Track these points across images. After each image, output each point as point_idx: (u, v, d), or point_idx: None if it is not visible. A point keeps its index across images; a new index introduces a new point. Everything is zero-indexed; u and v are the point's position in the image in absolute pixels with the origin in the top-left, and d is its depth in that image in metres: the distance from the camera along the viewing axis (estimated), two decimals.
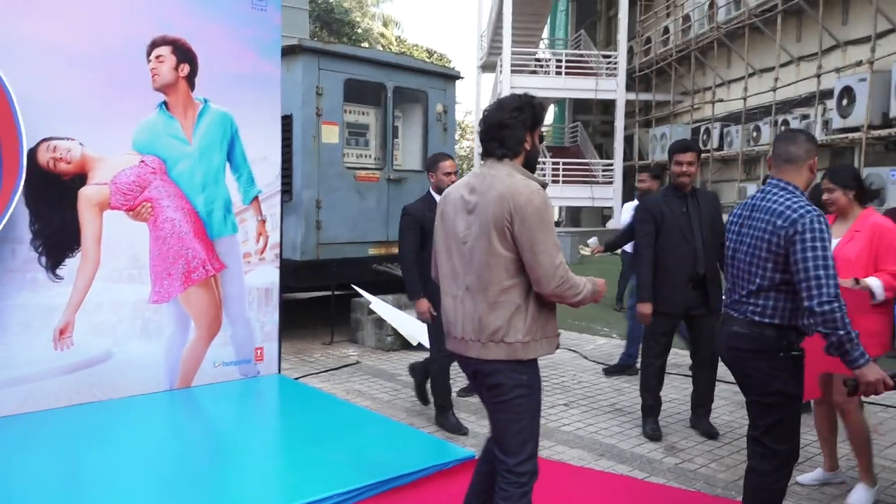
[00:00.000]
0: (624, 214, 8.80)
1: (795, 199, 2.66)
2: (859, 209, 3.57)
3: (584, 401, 5.20)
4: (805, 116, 14.72)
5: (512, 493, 2.50)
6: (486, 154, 2.58)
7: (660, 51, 20.56)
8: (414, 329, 6.99)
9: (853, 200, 3.56)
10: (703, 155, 19.70)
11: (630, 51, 21.84)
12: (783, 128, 15.24)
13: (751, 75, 16.67)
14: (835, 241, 3.45)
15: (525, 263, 2.44)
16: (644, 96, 21.73)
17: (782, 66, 15.47)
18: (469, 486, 2.82)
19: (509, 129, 2.53)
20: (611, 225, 21.15)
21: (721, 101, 18.08)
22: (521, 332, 2.46)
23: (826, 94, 13.88)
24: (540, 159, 19.80)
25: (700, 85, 19.34)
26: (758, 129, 16.19)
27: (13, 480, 3.42)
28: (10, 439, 3.89)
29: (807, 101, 14.86)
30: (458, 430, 4.51)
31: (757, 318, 2.70)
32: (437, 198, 4.47)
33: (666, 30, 20.51)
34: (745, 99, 16.51)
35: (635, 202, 8.62)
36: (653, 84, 21.07)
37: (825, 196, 3.62)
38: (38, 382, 4.29)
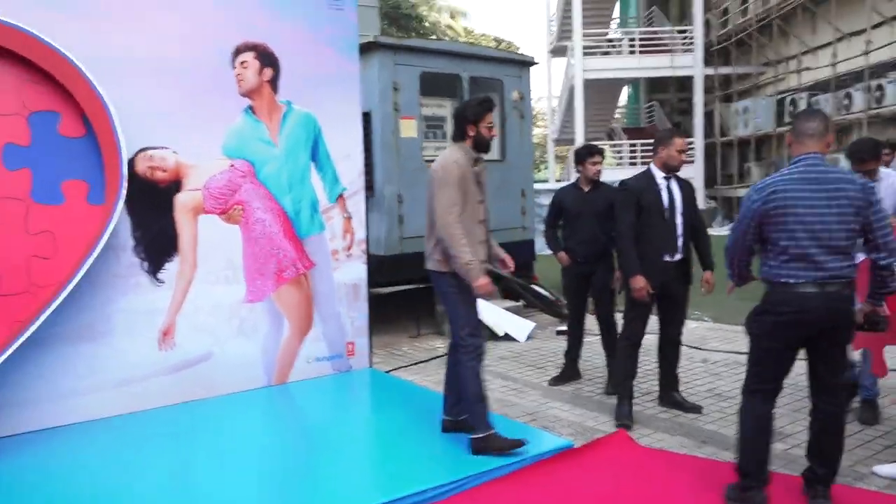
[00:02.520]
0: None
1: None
2: None
3: (680, 386, 5.06)
4: None
5: (463, 358, 3.68)
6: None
7: (738, 21, 19.80)
8: (500, 319, 6.98)
9: None
10: (789, 126, 19.09)
11: (706, 23, 21.10)
12: (878, 93, 14.44)
13: (839, 40, 15.86)
14: None
15: (431, 208, 3.67)
16: (723, 70, 20.99)
17: (874, 27, 14.65)
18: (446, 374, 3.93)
19: (457, 123, 3.77)
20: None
21: (807, 69, 17.29)
22: (438, 254, 3.68)
23: None
24: (617, 141, 19.38)
25: (783, 54, 18.55)
26: (849, 96, 15.40)
27: (127, 476, 3.58)
28: (122, 437, 4.09)
29: None
30: (623, 419, 4.34)
31: (852, 276, 3.06)
32: (660, 175, 4.47)
33: None
34: (833, 65, 15.72)
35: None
36: (732, 56, 20.30)
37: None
38: (144, 382, 4.48)
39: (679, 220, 4.47)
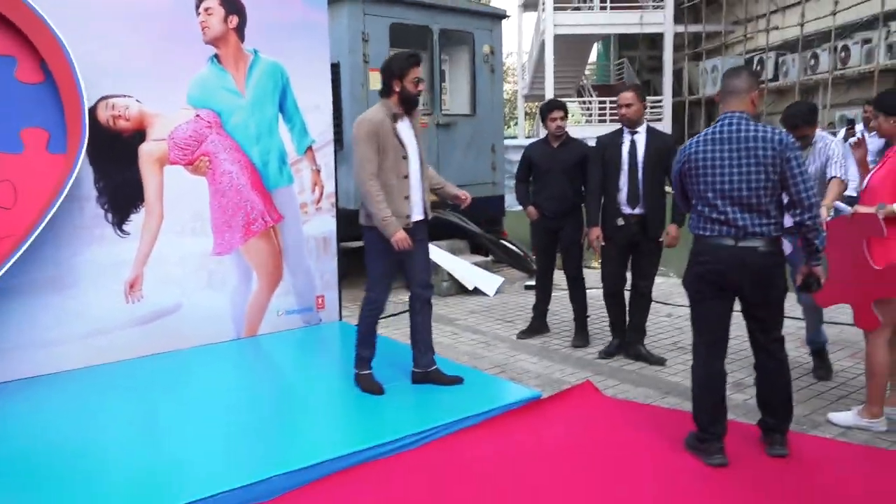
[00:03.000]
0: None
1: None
2: None
3: (645, 339, 5.16)
4: (867, 41, 14.06)
5: (363, 307, 3.95)
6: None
7: None
8: (470, 274, 7.02)
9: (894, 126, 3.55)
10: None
11: None
12: (843, 54, 14.58)
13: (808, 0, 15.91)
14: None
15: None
16: (693, 28, 20.99)
17: None
18: None
19: (383, 77, 3.72)
20: None
21: (776, 28, 17.36)
22: (363, 213, 3.77)
23: (891, 16, 13.21)
24: (585, 99, 19.21)
25: (753, 13, 18.57)
26: (815, 56, 15.54)
27: (92, 428, 3.57)
28: (88, 389, 4.06)
29: (869, 24, 14.15)
30: (610, 349, 4.88)
31: (775, 233, 3.07)
32: (627, 129, 4.65)
33: None
34: (801, 25, 15.81)
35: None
36: (703, 15, 20.28)
37: (871, 123, 3.59)
38: (111, 334, 4.44)
39: (640, 174, 4.52)
